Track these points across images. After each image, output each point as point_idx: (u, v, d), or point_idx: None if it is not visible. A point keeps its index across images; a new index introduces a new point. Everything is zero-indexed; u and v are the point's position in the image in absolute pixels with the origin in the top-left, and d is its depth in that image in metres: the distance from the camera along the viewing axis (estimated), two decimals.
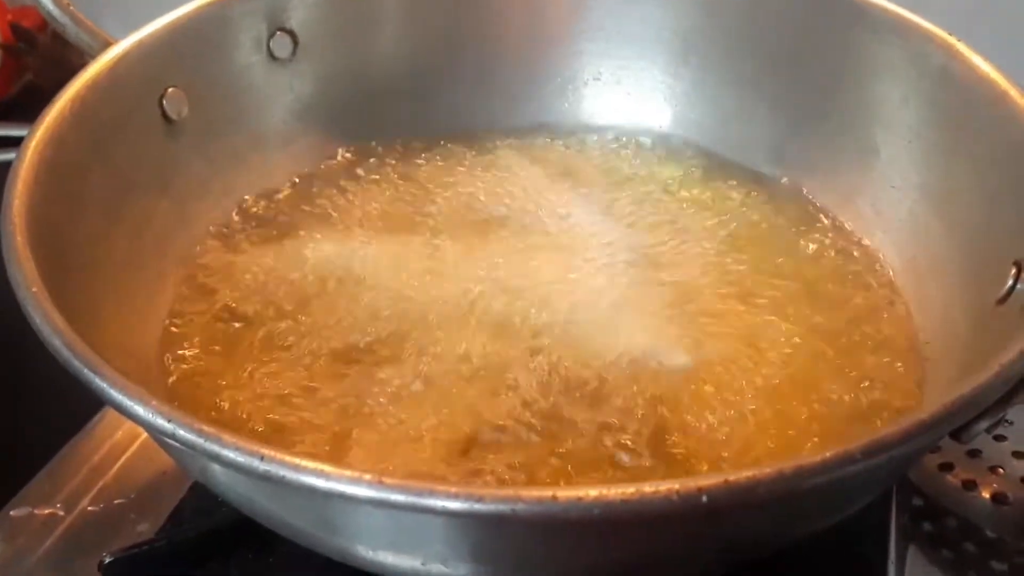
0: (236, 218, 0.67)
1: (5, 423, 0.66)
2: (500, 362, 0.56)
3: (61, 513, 0.58)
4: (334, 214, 0.68)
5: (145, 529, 0.57)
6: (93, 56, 0.59)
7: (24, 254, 0.46)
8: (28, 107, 0.99)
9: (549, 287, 0.61)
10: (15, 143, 0.90)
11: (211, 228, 0.65)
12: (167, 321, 0.59)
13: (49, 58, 1.02)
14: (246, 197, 0.68)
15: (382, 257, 0.63)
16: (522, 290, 0.61)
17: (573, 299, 0.60)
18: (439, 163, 0.72)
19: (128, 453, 0.62)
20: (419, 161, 0.72)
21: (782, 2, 0.69)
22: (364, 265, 0.63)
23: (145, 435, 0.62)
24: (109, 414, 0.64)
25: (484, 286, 0.61)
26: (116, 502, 0.59)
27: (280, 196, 0.69)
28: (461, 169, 0.72)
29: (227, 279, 0.62)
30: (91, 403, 0.64)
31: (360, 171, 0.71)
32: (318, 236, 0.65)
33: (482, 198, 0.69)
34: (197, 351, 0.58)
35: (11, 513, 0.58)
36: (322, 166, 0.71)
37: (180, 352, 0.58)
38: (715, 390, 0.55)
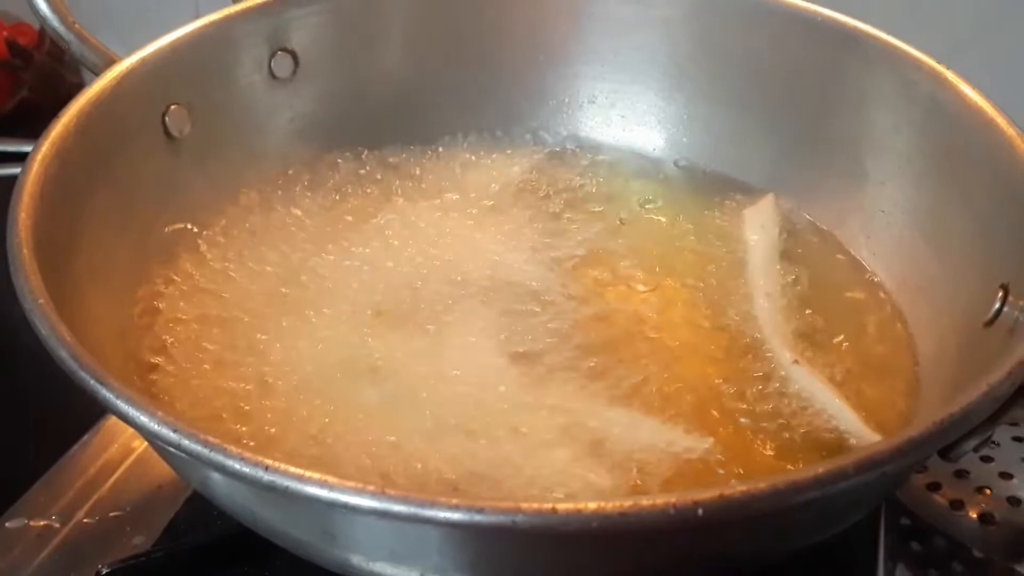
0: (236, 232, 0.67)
1: (1, 435, 0.66)
2: None
3: (56, 525, 0.58)
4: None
5: (141, 542, 0.57)
6: (97, 73, 0.60)
7: (31, 267, 0.46)
8: (24, 123, 1.00)
9: None
10: (12, 158, 0.91)
11: (210, 241, 0.65)
12: (165, 332, 0.59)
13: (44, 74, 1.03)
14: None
15: None
16: None
17: None
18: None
19: (124, 466, 0.62)
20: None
21: (775, 30, 0.70)
22: None
23: (141, 448, 0.63)
24: (105, 426, 0.64)
25: None
26: (112, 515, 0.59)
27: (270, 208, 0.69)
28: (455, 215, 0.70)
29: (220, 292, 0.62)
30: (87, 415, 0.64)
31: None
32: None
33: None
34: (188, 364, 0.58)
35: (6, 525, 0.58)
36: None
37: (174, 362, 0.58)
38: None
